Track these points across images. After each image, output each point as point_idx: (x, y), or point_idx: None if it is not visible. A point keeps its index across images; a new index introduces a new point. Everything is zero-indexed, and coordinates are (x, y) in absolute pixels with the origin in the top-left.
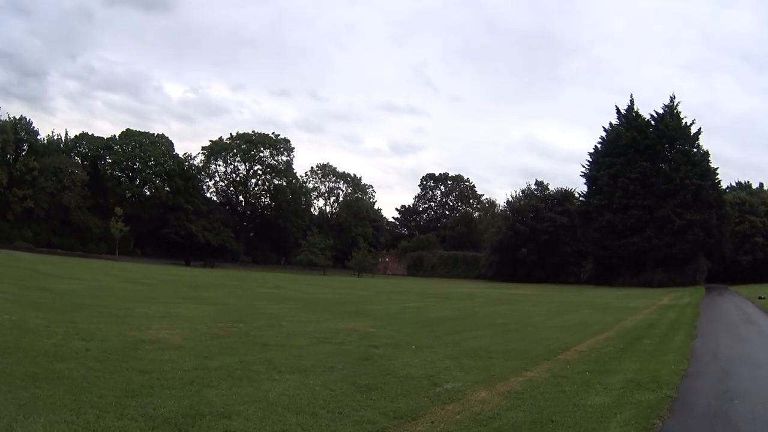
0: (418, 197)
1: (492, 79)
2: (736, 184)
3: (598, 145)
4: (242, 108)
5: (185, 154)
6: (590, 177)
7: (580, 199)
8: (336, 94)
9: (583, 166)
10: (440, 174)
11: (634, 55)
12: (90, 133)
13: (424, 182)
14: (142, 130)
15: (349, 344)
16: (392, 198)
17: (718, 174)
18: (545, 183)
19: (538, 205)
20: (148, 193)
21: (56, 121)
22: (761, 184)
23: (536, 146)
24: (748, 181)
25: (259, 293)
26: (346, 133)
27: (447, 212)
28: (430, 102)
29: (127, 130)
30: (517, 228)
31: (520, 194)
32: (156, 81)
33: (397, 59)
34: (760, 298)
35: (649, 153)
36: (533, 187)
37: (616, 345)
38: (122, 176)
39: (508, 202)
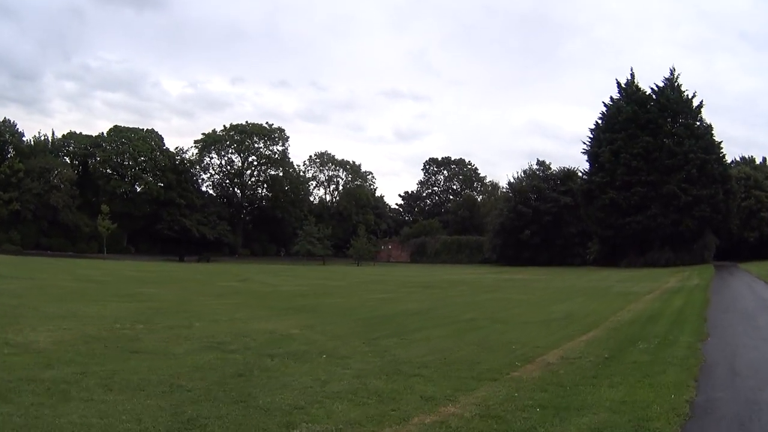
0: (421, 183)
1: (493, 63)
2: (740, 158)
3: (599, 121)
4: (243, 101)
5: (177, 148)
6: (591, 154)
7: (583, 177)
8: (337, 83)
9: (584, 143)
10: (443, 158)
11: (634, 35)
12: (78, 132)
13: (427, 167)
14: (135, 126)
15: (242, 352)
16: (399, 185)
17: (722, 148)
18: (547, 162)
19: (541, 185)
20: (139, 189)
21: (55, 122)
22: (765, 159)
23: (541, 128)
24: (752, 156)
25: (217, 287)
26: (349, 122)
27: (451, 197)
28: (433, 87)
29: (116, 126)
30: (519, 209)
31: (522, 175)
32: (154, 77)
33: (397, 46)
34: None
35: (651, 127)
36: (535, 167)
37: (599, 353)
38: (112, 173)
39: (509, 183)
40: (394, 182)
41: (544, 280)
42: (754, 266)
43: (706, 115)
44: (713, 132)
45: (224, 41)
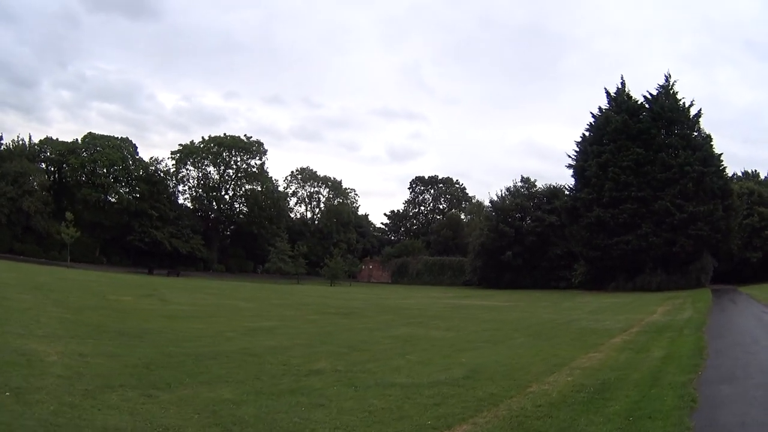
0: (408, 202)
1: (488, 79)
2: (743, 173)
3: (586, 133)
4: (237, 116)
5: (152, 158)
6: (577, 168)
7: (567, 194)
8: (330, 100)
9: (570, 157)
10: (430, 177)
11: (634, 48)
12: (55, 138)
13: (414, 186)
14: (110, 135)
15: None
16: (393, 205)
17: (722, 160)
18: (532, 180)
19: (525, 203)
20: (111, 198)
21: (52, 131)
22: None
23: (537, 147)
24: (756, 170)
25: (81, 299)
26: (343, 141)
27: (438, 216)
28: (426, 105)
29: (89, 133)
30: (500, 229)
31: (506, 193)
32: (149, 89)
33: (391, 61)
34: None
35: (642, 138)
36: (519, 184)
37: None
38: (86, 181)
39: (491, 201)
40: (389, 202)
41: (507, 308)
42: (759, 290)
43: (706, 129)
44: (712, 143)
45: (219, 53)
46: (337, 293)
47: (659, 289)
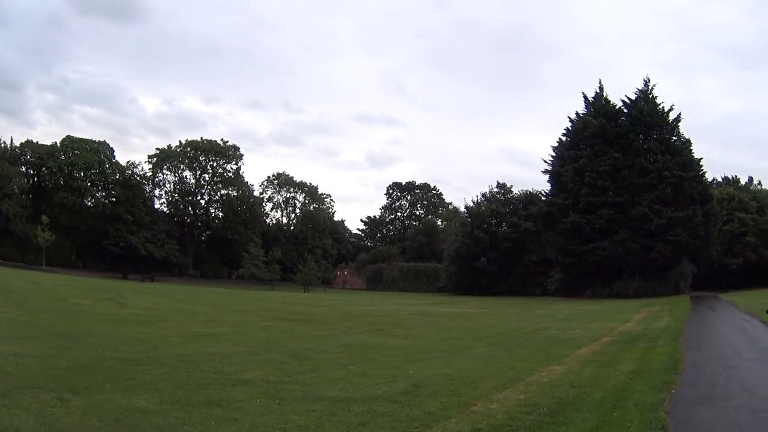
0: (385, 208)
1: (467, 86)
2: (723, 179)
3: (563, 138)
4: (217, 121)
5: (128, 162)
6: (553, 174)
7: (543, 199)
8: (310, 105)
9: (546, 162)
10: (407, 183)
11: (615, 55)
12: (35, 141)
13: (391, 192)
14: (89, 138)
15: None
16: (371, 211)
17: (702, 165)
18: (508, 186)
19: (501, 209)
20: (89, 203)
21: (36, 134)
22: (750, 179)
23: (514, 154)
24: (736, 176)
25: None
26: (322, 146)
27: (414, 223)
28: (406, 111)
29: (68, 137)
30: (475, 235)
31: (481, 199)
32: (131, 93)
33: (371, 66)
34: None
35: (620, 143)
36: (495, 190)
37: None
38: (64, 185)
39: (467, 207)
40: (367, 208)
41: (476, 315)
42: (740, 297)
43: (685, 134)
44: (692, 148)
45: (201, 58)
46: (305, 300)
47: (636, 295)
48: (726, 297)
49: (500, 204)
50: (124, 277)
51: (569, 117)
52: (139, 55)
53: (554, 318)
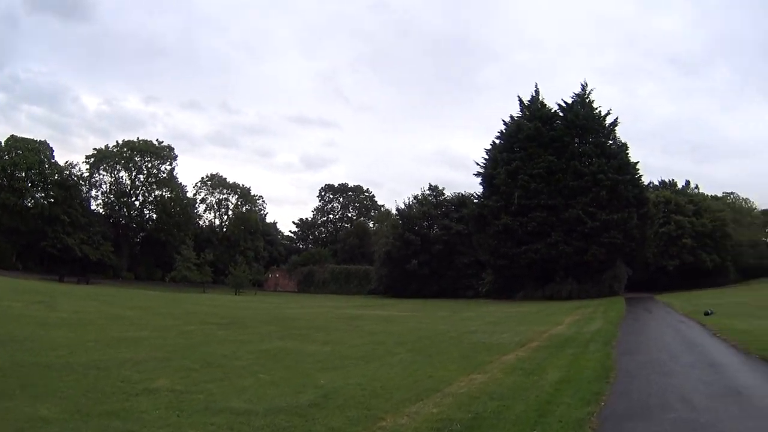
0: (317, 210)
1: (404, 89)
2: (660, 182)
3: (497, 140)
4: (156, 121)
5: (67, 162)
6: (486, 176)
7: (475, 201)
8: (247, 106)
9: (478, 165)
10: (339, 185)
11: (555, 62)
12: None
13: (323, 194)
14: (30, 138)
15: None
16: (305, 213)
17: (638, 169)
18: (441, 188)
19: (432, 211)
20: (29, 204)
21: None
22: (687, 182)
23: (451, 158)
24: (673, 180)
25: None
26: (258, 148)
27: (346, 225)
28: (342, 113)
29: (12, 136)
30: (406, 237)
31: (413, 201)
32: (75, 93)
33: (309, 69)
34: (706, 314)
35: (555, 146)
36: (427, 192)
37: None
38: (6, 185)
39: (398, 209)
40: (301, 210)
41: (403, 318)
42: (676, 298)
43: (622, 138)
44: (628, 151)
45: (142, 57)
46: (234, 303)
47: (570, 297)
48: (662, 298)
49: (432, 206)
50: (61, 280)
51: (503, 120)
52: (84, 53)
53: (483, 321)
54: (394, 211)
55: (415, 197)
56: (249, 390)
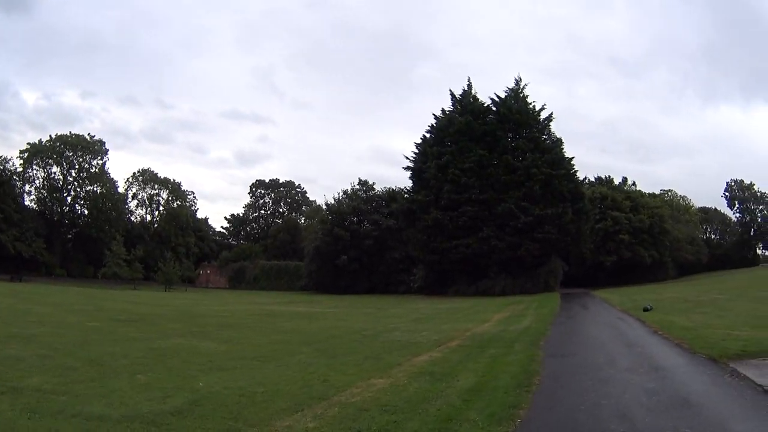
0: (248, 206)
1: (341, 85)
2: (596, 179)
3: (427, 135)
4: (92, 116)
5: (0, 157)
6: (415, 170)
7: (405, 196)
8: (182, 102)
9: (408, 159)
10: (270, 180)
11: (495, 61)
12: None
13: (254, 190)
14: None
15: None
16: (238, 209)
17: (573, 164)
18: (371, 183)
19: (362, 206)
20: None
21: None
22: (625, 179)
23: (385, 154)
24: (610, 176)
25: None
26: (192, 143)
27: (277, 221)
28: (277, 109)
29: None
30: (336, 233)
31: (343, 196)
32: (15, 87)
33: (244, 65)
34: (645, 309)
35: (487, 140)
36: (357, 187)
37: None
38: None
39: (327, 204)
40: (234, 207)
41: (323, 315)
42: (614, 294)
43: (567, 144)
44: (563, 147)
45: (81, 52)
46: (156, 299)
47: (504, 293)
48: (599, 294)
49: (362, 201)
50: None
51: (434, 114)
52: (25, 47)
53: (407, 318)
54: (324, 207)
55: (345, 192)
56: (116, 393)
